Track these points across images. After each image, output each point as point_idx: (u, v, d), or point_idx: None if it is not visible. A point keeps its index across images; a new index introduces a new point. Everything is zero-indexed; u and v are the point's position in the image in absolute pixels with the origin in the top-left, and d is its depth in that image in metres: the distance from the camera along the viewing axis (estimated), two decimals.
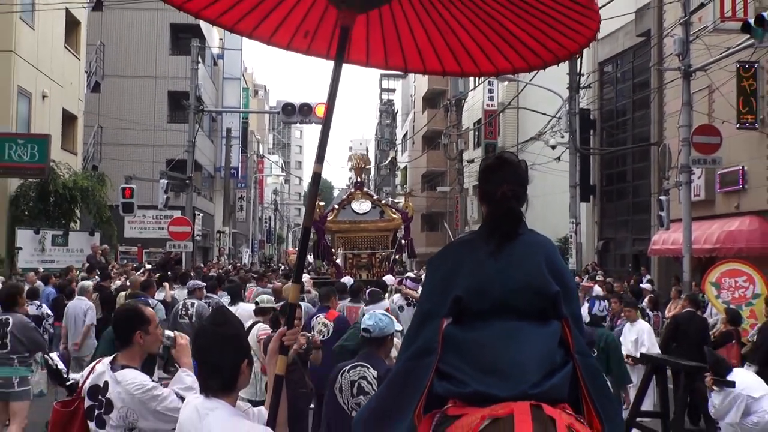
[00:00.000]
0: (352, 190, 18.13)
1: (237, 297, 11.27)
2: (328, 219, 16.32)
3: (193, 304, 11.64)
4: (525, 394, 2.47)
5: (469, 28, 3.45)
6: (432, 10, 3.45)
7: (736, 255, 16.76)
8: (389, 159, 73.41)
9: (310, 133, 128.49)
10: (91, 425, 3.89)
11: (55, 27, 23.56)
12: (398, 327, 4.67)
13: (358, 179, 17.82)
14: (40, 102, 22.36)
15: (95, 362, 4.22)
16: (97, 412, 3.88)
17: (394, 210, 17.33)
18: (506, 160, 3.09)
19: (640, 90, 25.97)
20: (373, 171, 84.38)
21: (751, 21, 13.84)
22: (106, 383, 3.91)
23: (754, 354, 10.35)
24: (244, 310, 10.10)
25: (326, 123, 3.31)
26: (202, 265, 28.61)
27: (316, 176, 3.39)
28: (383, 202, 19.06)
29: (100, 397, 3.90)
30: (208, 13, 3.51)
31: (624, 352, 9.44)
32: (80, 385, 4.06)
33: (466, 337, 2.72)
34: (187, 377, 3.97)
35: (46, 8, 21.84)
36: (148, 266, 22.31)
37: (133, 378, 3.89)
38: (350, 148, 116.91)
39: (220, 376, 2.89)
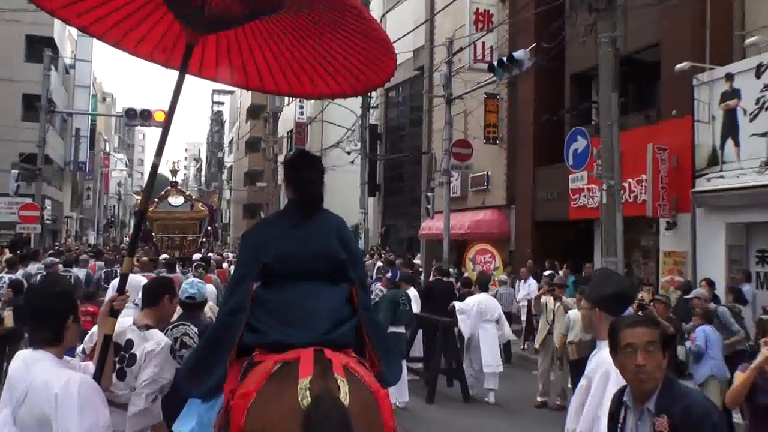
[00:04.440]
0: (169, 187, 17.84)
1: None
2: (149, 210, 15.78)
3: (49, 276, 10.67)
4: (316, 341, 2.48)
5: (298, 58, 3.38)
6: (272, 44, 3.36)
7: (482, 238, 17.46)
8: (216, 159, 71.69)
9: (152, 135, 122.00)
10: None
11: None
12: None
13: (174, 179, 17.65)
14: None
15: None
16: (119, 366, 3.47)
17: (202, 204, 17.51)
18: (307, 153, 3.18)
19: (415, 111, 26.57)
20: (204, 168, 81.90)
21: (495, 63, 14.57)
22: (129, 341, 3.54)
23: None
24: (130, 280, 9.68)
25: (168, 122, 3.13)
26: (58, 244, 26.64)
27: (154, 168, 3.20)
28: (194, 197, 19.24)
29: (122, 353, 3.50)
30: (61, 14, 3.10)
31: None
32: None
33: (270, 297, 2.70)
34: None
35: None
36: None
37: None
38: (186, 149, 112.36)
39: (47, 330, 2.56)
